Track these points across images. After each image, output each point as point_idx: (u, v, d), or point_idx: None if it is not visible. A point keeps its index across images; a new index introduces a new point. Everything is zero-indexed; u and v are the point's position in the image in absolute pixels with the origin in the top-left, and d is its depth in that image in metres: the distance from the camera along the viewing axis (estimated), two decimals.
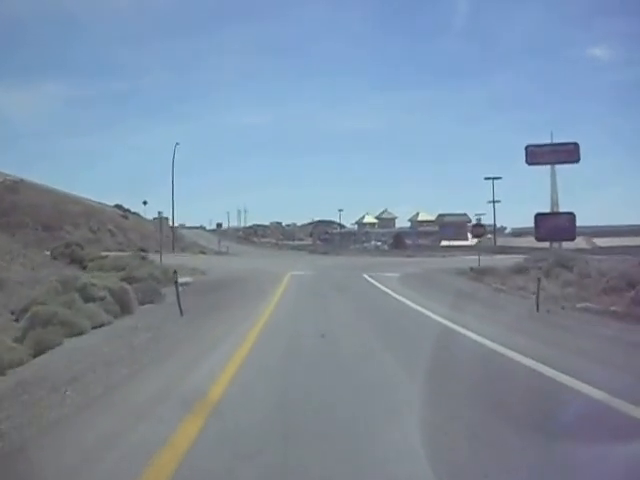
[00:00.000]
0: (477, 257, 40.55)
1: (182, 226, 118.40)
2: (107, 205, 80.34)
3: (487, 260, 42.65)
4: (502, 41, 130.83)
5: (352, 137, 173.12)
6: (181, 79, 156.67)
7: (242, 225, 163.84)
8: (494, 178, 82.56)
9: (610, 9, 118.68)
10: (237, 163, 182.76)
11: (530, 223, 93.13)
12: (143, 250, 39.63)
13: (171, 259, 36.49)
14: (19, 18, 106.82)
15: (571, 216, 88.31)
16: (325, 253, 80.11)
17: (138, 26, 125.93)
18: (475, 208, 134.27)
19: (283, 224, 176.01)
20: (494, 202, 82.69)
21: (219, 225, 78.17)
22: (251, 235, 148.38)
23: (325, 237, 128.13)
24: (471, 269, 34.21)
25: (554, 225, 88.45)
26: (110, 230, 60.80)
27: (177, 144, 69.37)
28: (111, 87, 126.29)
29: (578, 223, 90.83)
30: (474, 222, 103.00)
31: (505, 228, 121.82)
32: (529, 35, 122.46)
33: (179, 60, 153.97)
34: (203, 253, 66.75)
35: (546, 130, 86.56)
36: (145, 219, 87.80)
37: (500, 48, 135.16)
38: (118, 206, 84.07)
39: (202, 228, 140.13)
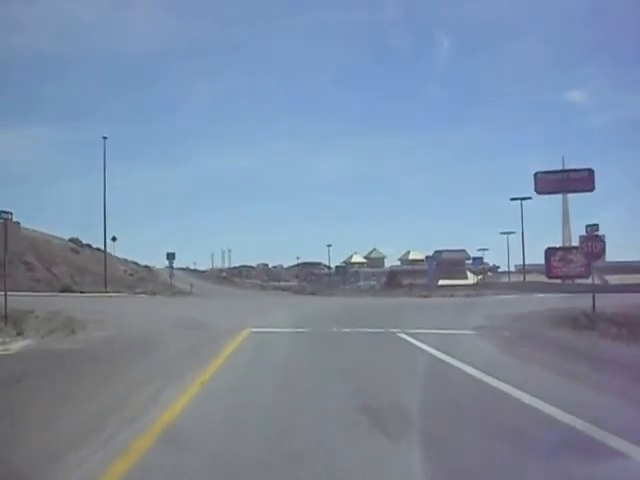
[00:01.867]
0: (519, 296, 31.68)
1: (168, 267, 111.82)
2: (59, 238, 70.10)
3: (555, 300, 33.95)
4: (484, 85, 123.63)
5: (337, 178, 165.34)
6: (167, 122, 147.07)
7: (226, 266, 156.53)
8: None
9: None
10: (223, 205, 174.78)
11: (535, 260, 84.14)
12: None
13: (76, 302, 28.81)
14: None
15: None
16: (312, 293, 69.12)
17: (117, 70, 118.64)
18: (472, 245, 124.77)
19: (269, 265, 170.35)
20: (508, 248, 71.97)
21: (170, 255, 63.75)
22: (235, 276, 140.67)
23: (311, 278, 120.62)
24: (586, 315, 21.54)
25: (567, 260, 78.80)
26: (29, 263, 49.62)
27: (105, 138, 57.63)
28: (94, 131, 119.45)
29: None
30: (475, 257, 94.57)
31: (498, 267, 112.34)
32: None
33: (162, 104, 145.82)
34: (153, 293, 54.95)
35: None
36: (113, 256, 78.55)
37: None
38: (73, 240, 73.56)
39: (187, 269, 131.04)
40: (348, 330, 19.45)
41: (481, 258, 74.73)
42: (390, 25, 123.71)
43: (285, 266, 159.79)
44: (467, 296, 53.39)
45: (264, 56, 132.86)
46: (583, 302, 23.33)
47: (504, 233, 73.17)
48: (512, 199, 73.86)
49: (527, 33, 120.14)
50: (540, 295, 51.73)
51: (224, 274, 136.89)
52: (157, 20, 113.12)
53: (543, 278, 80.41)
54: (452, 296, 52.19)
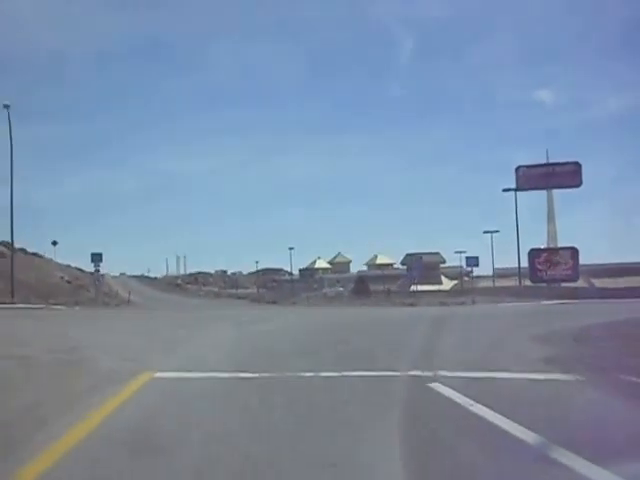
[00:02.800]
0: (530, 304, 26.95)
1: (122, 274, 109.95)
2: None
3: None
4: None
5: (297, 181, 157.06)
6: (119, 121, 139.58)
7: (182, 272, 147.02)
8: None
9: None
10: (179, 209, 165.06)
11: (515, 263, 76.37)
12: None
13: None
14: None
15: (573, 251, 71.59)
16: (273, 302, 60.24)
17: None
18: (445, 247, 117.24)
19: (228, 272, 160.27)
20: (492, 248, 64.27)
21: (96, 257, 52.27)
22: (191, 283, 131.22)
23: (272, 285, 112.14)
24: None
25: (553, 263, 71.28)
26: None
27: (7, 106, 46.76)
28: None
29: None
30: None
31: (471, 271, 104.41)
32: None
33: (109, 104, 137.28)
34: (76, 304, 45.00)
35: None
36: (52, 262, 72.78)
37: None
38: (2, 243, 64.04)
39: (142, 277, 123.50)
40: (333, 375, 10.38)
41: (476, 258, 66.11)
42: (351, 24, 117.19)
43: (245, 272, 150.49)
44: (462, 304, 45.36)
45: (216, 56, 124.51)
46: None
47: (487, 232, 65.12)
48: (504, 190, 66.05)
49: (492, 31, 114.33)
50: (552, 302, 44.12)
51: (179, 281, 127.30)
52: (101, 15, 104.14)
53: (526, 282, 73.33)
54: (444, 304, 43.97)
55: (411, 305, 44.99)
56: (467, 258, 65.29)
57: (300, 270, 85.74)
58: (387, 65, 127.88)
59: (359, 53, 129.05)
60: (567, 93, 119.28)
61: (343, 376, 10.16)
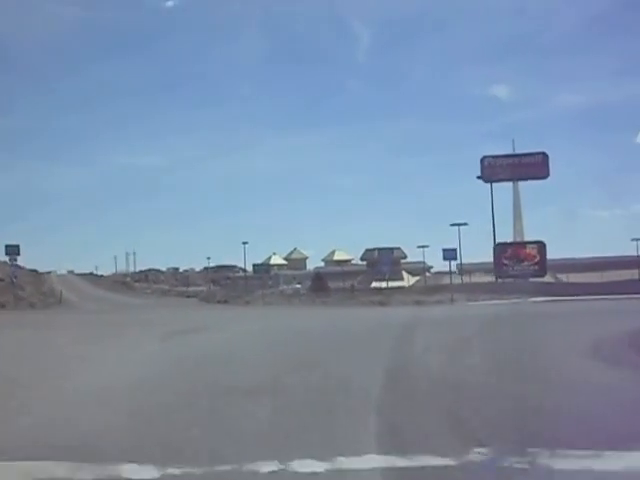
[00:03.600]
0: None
1: (71, 272, 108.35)
2: None
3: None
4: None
5: (253, 177, 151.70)
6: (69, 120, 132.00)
7: (132, 270, 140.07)
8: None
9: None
10: (129, 206, 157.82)
11: (479, 258, 72.49)
12: None
13: None
14: None
15: (540, 246, 67.95)
16: (225, 302, 54.99)
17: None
18: (406, 242, 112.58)
19: (181, 269, 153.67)
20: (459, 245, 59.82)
21: (11, 249, 46.45)
22: (141, 280, 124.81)
23: (226, 282, 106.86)
24: None
25: (520, 258, 67.60)
26: None
27: None
28: None
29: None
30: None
31: (431, 267, 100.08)
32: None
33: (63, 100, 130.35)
34: None
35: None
36: None
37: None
38: None
39: (91, 274, 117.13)
40: (317, 470, 5.18)
41: (454, 250, 59.58)
42: (308, 19, 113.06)
43: (198, 269, 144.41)
44: (439, 303, 40.91)
45: (175, 50, 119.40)
46: None
47: (455, 225, 60.34)
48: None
49: (449, 27, 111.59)
50: (542, 300, 40.06)
51: (128, 279, 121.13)
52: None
53: (490, 278, 69.53)
54: (420, 304, 39.39)
55: (381, 304, 40.37)
56: (444, 251, 58.34)
57: (254, 266, 79.99)
58: (345, 60, 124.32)
59: (317, 48, 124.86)
60: (524, 88, 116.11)
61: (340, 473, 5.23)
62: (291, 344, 15.64)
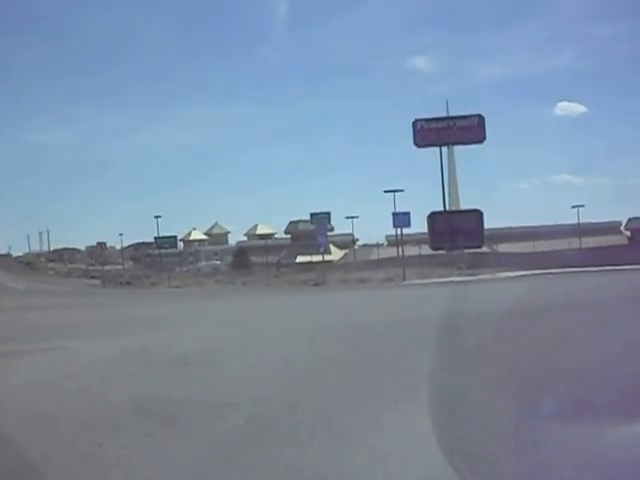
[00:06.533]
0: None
1: None
2: None
3: None
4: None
5: (170, 152, 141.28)
6: None
7: (46, 249, 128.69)
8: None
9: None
10: (42, 183, 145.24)
11: (411, 229, 64.96)
12: None
13: None
14: None
15: (477, 214, 61.44)
16: (127, 283, 45.88)
17: None
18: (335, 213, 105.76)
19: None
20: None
21: None
22: (55, 260, 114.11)
23: (147, 260, 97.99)
24: None
25: (455, 227, 60.84)
26: None
27: None
28: None
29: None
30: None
31: (357, 239, 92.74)
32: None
33: None
34: None
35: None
36: None
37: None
38: None
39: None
40: None
41: (407, 214, 48.87)
42: None
43: (119, 247, 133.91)
44: (390, 281, 33.16)
45: (83, 21, 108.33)
46: None
47: (389, 191, 52.08)
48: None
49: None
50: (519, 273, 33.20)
51: (42, 259, 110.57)
52: None
53: (426, 250, 62.68)
54: (364, 283, 31.45)
55: (317, 285, 32.40)
56: (394, 215, 47.25)
57: (156, 239, 70.19)
58: (259, 32, 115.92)
59: (230, 19, 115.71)
60: (443, 60, 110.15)
61: None
62: None
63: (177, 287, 40.77)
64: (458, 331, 10.60)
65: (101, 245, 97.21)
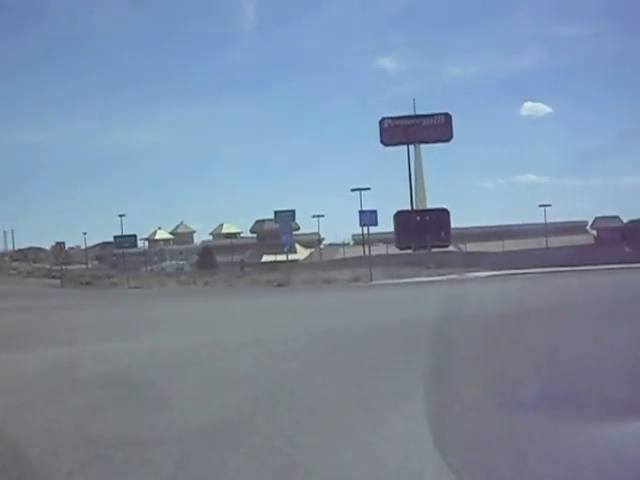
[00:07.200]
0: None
1: None
2: None
3: None
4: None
5: (138, 152, 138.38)
6: None
7: (10, 248, 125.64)
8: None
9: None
10: (10, 184, 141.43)
11: (378, 228, 63.69)
12: None
13: None
14: None
15: (444, 213, 60.79)
16: (87, 284, 43.91)
17: None
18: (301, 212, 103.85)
19: (67, 246, 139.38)
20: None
21: None
22: (20, 259, 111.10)
23: (113, 260, 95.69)
24: None
25: (422, 226, 59.99)
26: None
27: None
28: None
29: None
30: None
31: (323, 238, 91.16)
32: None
33: None
34: None
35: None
36: None
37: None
38: None
39: None
40: None
41: (374, 212, 46.70)
42: None
43: (84, 247, 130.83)
44: (356, 281, 31.80)
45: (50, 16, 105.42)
46: None
47: (356, 190, 50.41)
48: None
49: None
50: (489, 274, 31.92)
51: (6, 258, 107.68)
52: None
53: (392, 249, 61.47)
54: (329, 283, 29.98)
55: (280, 285, 30.89)
56: (361, 213, 45.36)
57: (115, 238, 68.29)
58: (229, 32, 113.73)
59: (198, 20, 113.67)
60: (410, 61, 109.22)
61: None
62: None
63: (137, 288, 38.96)
64: (434, 342, 9.19)
65: (60, 245, 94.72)
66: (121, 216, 68.21)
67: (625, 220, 73.78)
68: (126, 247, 65.59)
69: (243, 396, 7.67)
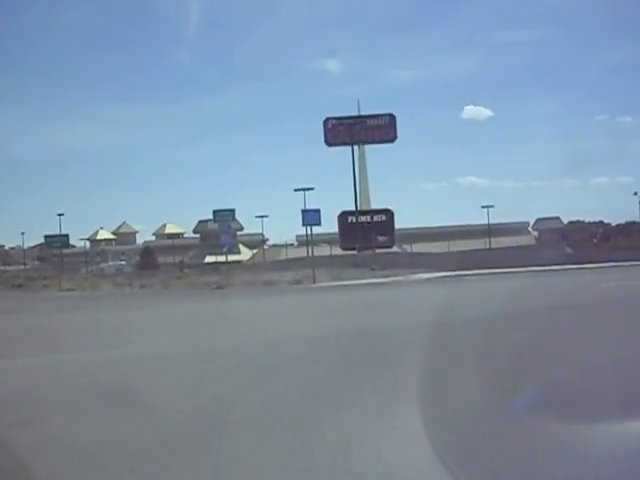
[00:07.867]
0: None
1: None
2: None
3: None
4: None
5: (79, 151, 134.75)
6: None
7: None
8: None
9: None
10: None
11: (321, 228, 62.62)
12: None
13: None
14: None
15: (388, 214, 60.21)
16: (19, 286, 41.62)
17: None
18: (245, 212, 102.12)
19: (6, 247, 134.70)
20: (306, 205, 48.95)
21: None
22: None
23: (54, 260, 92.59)
24: None
25: (366, 227, 59.30)
26: None
27: None
28: None
29: None
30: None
31: (267, 239, 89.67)
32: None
33: None
34: None
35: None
36: None
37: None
38: None
39: None
40: None
41: (317, 211, 44.54)
42: None
43: (27, 247, 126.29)
44: (298, 283, 30.56)
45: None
46: None
47: (299, 190, 48.71)
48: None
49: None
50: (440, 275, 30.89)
51: None
52: None
53: (337, 250, 60.43)
54: (270, 285, 28.61)
55: (220, 288, 29.42)
56: (304, 213, 43.19)
57: (46, 237, 65.57)
58: (175, 34, 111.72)
59: (144, 20, 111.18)
60: (353, 63, 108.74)
61: None
62: None
63: (70, 290, 36.81)
64: (378, 356, 8.00)
65: None
66: (60, 215, 65.52)
67: (565, 221, 74.70)
68: (58, 247, 62.77)
69: (158, 431, 6.28)
